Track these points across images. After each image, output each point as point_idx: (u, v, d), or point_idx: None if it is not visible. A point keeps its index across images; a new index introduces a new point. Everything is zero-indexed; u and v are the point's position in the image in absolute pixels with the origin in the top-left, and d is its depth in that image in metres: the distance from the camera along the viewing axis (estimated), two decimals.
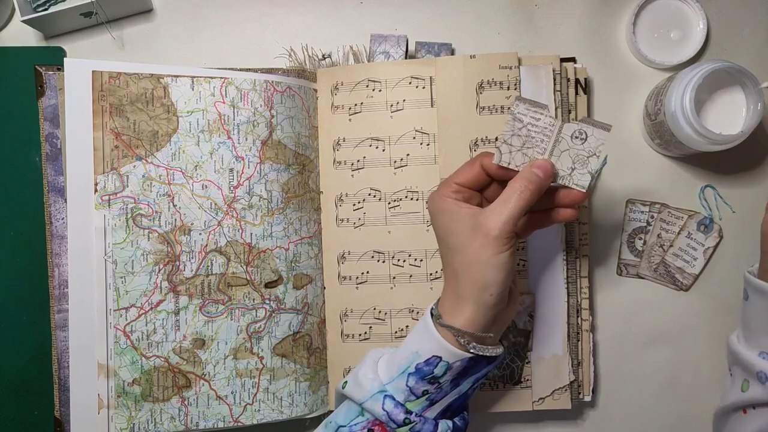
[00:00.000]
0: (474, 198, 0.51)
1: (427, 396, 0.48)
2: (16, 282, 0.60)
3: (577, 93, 0.62)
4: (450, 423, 0.50)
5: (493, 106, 0.60)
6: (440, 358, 0.47)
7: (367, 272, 0.61)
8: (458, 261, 0.48)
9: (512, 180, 0.48)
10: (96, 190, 0.57)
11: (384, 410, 0.47)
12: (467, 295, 0.47)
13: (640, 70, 0.65)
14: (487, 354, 0.48)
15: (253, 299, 0.59)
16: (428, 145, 0.60)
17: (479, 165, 0.50)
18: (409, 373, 0.48)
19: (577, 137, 0.49)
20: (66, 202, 0.57)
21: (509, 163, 0.49)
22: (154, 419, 0.57)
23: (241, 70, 0.60)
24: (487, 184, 0.52)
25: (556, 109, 0.60)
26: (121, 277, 0.57)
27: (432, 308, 0.50)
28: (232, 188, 0.59)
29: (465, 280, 0.47)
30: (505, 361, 0.60)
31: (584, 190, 0.49)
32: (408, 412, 0.48)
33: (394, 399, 0.48)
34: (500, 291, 0.47)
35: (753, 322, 0.53)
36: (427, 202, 0.51)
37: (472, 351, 0.47)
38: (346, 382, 0.51)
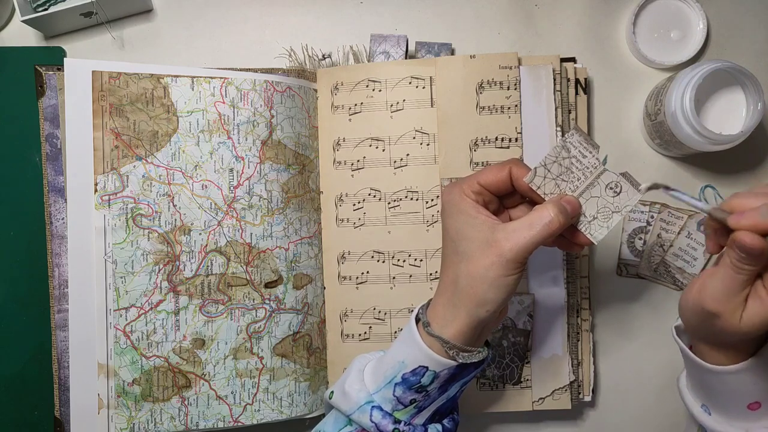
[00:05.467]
0: (492, 203, 0.49)
1: (414, 404, 0.48)
2: (16, 282, 0.60)
3: (577, 93, 0.62)
4: (439, 426, 0.49)
5: (493, 106, 0.60)
6: (427, 368, 0.46)
7: (367, 272, 0.61)
8: (463, 270, 0.46)
9: (542, 206, 0.46)
10: (96, 190, 0.57)
11: (372, 422, 0.47)
12: (462, 306, 0.46)
13: (640, 70, 0.65)
14: (474, 360, 0.47)
15: (253, 299, 0.59)
16: (428, 145, 0.60)
17: (508, 172, 0.48)
18: (396, 383, 0.47)
19: (611, 188, 0.47)
20: (66, 202, 0.57)
21: (539, 188, 0.47)
22: (154, 419, 0.57)
23: (241, 70, 0.60)
24: (507, 193, 0.49)
25: (556, 109, 0.60)
26: (121, 277, 0.57)
27: (419, 313, 0.49)
28: (232, 188, 0.59)
29: (464, 292, 0.46)
30: (505, 361, 0.60)
31: (596, 243, 0.48)
32: (396, 421, 0.47)
33: (381, 409, 0.47)
34: (496, 308, 0.46)
35: (689, 375, 0.51)
36: (442, 193, 0.49)
37: (459, 360, 0.47)
38: (332, 392, 0.50)
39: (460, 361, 0.47)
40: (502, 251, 0.44)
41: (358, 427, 0.48)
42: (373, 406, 0.47)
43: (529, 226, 0.45)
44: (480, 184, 0.48)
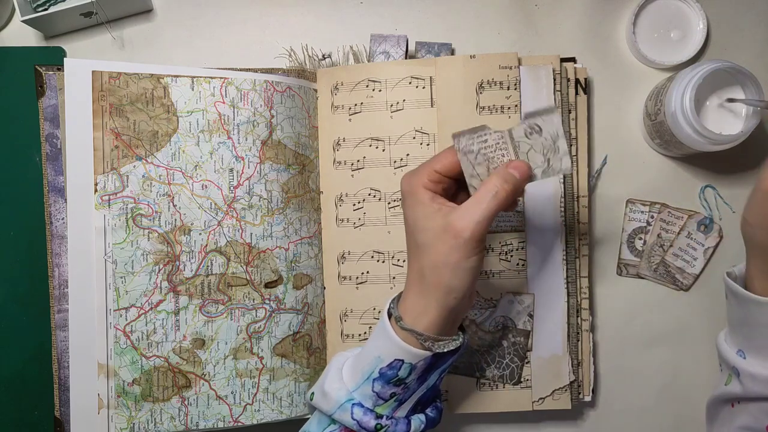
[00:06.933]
0: (451, 188, 0.50)
1: (395, 398, 0.48)
2: (16, 282, 0.60)
3: (577, 93, 0.62)
4: (423, 417, 0.50)
5: (493, 106, 0.60)
6: (402, 361, 0.47)
7: (367, 272, 0.61)
8: (425, 261, 0.46)
9: (487, 180, 0.47)
10: (96, 190, 0.57)
11: (354, 419, 0.47)
12: (431, 297, 0.46)
13: (640, 70, 0.65)
14: (451, 348, 0.48)
15: (253, 299, 0.59)
16: (428, 145, 0.60)
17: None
18: (374, 379, 0.47)
19: (531, 133, 0.48)
20: (66, 202, 0.57)
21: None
22: (154, 419, 0.57)
23: (241, 70, 0.60)
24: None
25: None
26: (121, 277, 0.57)
27: (390, 307, 0.49)
28: (232, 188, 0.59)
29: (431, 283, 0.46)
30: (505, 361, 0.60)
31: (571, 172, 0.48)
32: (378, 416, 0.47)
33: (362, 406, 0.48)
34: (464, 295, 0.46)
35: (732, 321, 0.54)
36: (401, 184, 0.49)
37: (435, 350, 0.47)
38: (313, 393, 0.50)
39: (436, 350, 0.47)
40: (457, 232, 0.45)
41: (342, 426, 0.48)
42: (353, 404, 0.48)
43: (478, 202, 0.46)
44: (437, 172, 0.48)
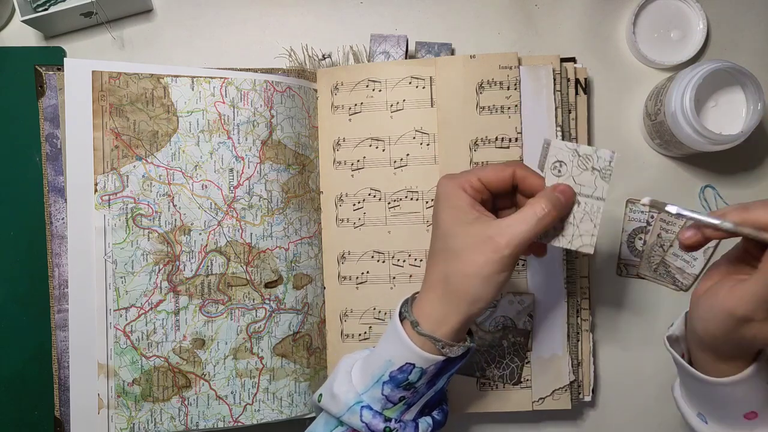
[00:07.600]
0: (488, 202, 0.49)
1: (404, 401, 0.48)
2: (16, 282, 0.60)
3: (577, 93, 0.62)
4: (429, 420, 0.50)
5: (493, 106, 0.60)
6: (414, 365, 0.46)
7: (367, 272, 0.61)
8: (453, 267, 0.45)
9: (534, 200, 0.45)
10: (96, 190, 0.57)
11: (363, 422, 0.47)
12: (454, 305, 0.46)
13: (640, 70, 0.65)
14: (461, 352, 0.48)
15: (253, 299, 0.59)
16: (428, 145, 0.60)
17: (511, 172, 0.47)
18: (384, 382, 0.47)
19: (558, 171, 0.48)
20: (66, 202, 0.57)
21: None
22: (154, 419, 0.57)
23: (241, 70, 0.60)
24: (504, 193, 0.49)
25: (556, 109, 0.60)
26: (121, 277, 0.57)
27: (403, 310, 0.48)
28: (232, 188, 0.59)
29: (457, 290, 0.45)
30: (505, 361, 0.60)
31: (615, 153, 0.47)
32: (387, 419, 0.47)
33: (371, 409, 0.47)
34: (488, 305, 0.46)
35: (686, 386, 0.50)
36: (439, 183, 0.48)
37: (449, 354, 0.47)
38: (321, 394, 0.50)
39: (449, 355, 0.47)
40: (497, 247, 0.44)
41: (349, 428, 0.48)
42: (362, 407, 0.47)
43: (522, 221, 0.45)
44: (481, 181, 0.47)
